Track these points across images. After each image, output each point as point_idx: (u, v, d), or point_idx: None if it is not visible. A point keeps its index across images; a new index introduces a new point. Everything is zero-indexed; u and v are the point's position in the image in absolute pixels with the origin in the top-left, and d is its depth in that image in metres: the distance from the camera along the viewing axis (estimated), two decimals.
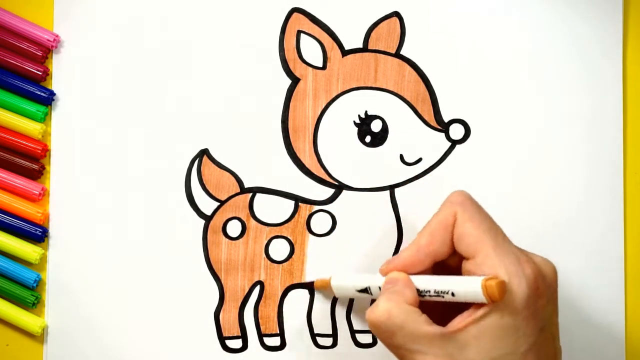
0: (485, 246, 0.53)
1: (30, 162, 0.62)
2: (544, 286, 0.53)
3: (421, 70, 0.63)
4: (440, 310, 0.54)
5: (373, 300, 0.55)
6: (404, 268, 0.55)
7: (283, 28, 0.63)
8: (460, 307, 0.53)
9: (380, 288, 0.56)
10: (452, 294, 0.52)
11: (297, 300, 0.63)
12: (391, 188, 0.63)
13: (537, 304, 0.52)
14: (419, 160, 0.63)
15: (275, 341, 0.63)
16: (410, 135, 0.63)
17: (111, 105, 0.63)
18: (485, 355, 0.51)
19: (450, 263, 0.56)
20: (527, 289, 0.51)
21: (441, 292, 0.53)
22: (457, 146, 0.63)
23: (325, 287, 0.61)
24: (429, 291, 0.53)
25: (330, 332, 0.63)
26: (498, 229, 0.54)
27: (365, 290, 0.58)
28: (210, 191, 0.63)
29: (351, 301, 0.63)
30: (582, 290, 0.63)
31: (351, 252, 0.63)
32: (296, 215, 0.63)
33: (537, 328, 0.52)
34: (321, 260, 0.63)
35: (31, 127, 0.61)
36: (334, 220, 0.63)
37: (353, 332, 0.63)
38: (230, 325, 0.63)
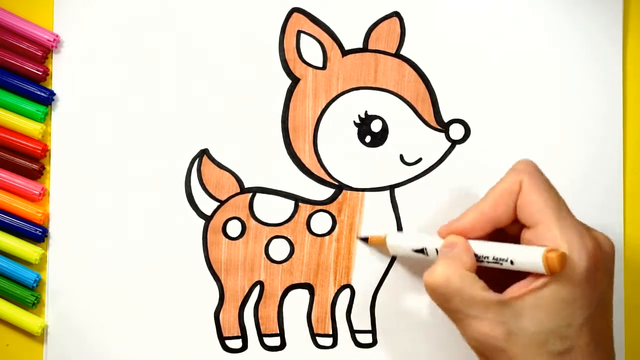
0: (548, 217, 0.53)
1: (30, 162, 0.62)
2: (603, 261, 0.53)
3: (421, 70, 0.63)
4: (497, 278, 0.54)
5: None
6: (464, 232, 0.55)
7: (283, 28, 0.63)
8: (517, 276, 0.53)
9: (437, 250, 0.56)
10: (511, 262, 0.52)
11: (297, 300, 0.63)
12: (391, 188, 0.63)
13: (596, 277, 0.52)
14: (419, 160, 0.63)
15: (275, 341, 0.63)
16: (410, 135, 0.63)
17: (111, 105, 0.62)
18: (540, 326, 0.51)
19: (509, 231, 0.56)
20: (587, 262, 0.51)
21: (500, 259, 0.53)
22: (457, 146, 0.63)
23: (381, 243, 0.61)
24: (488, 257, 0.53)
25: (330, 332, 0.63)
26: (562, 201, 0.54)
27: (421, 251, 0.57)
28: (210, 191, 0.63)
29: (351, 301, 0.63)
30: None
31: (351, 252, 0.63)
32: (296, 215, 0.63)
33: (594, 302, 0.52)
34: (321, 260, 0.63)
35: (31, 127, 0.61)
36: (333, 220, 0.63)
37: (353, 332, 0.63)
38: (230, 325, 0.63)
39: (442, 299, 0.53)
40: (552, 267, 0.50)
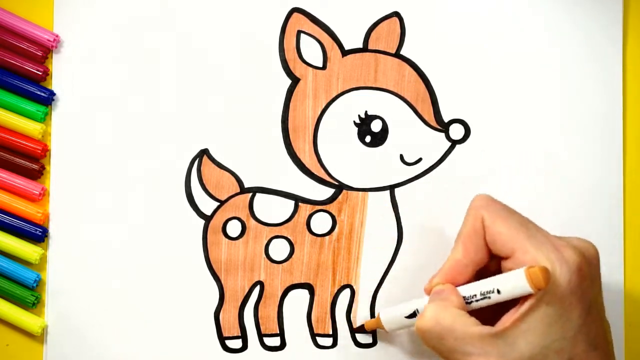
0: (520, 241, 0.53)
1: (30, 162, 0.62)
2: (587, 267, 0.52)
3: (421, 70, 0.63)
4: (488, 316, 0.54)
5: None
6: (446, 282, 0.55)
7: (283, 28, 0.63)
8: (506, 308, 0.53)
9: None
10: (498, 291, 0.52)
11: (297, 300, 0.63)
12: (391, 188, 0.63)
13: (582, 286, 0.52)
14: (419, 160, 0.63)
15: (275, 341, 0.63)
16: (410, 135, 0.63)
17: (111, 106, 0.62)
18: (536, 346, 0.51)
19: (490, 268, 0.56)
20: (569, 274, 0.51)
21: (487, 292, 0.53)
22: (457, 146, 0.63)
23: (377, 325, 0.61)
24: (475, 295, 0.54)
25: (330, 332, 0.63)
26: (528, 222, 0.54)
27: (414, 315, 0.57)
28: (210, 191, 0.63)
29: (351, 301, 0.63)
30: None
31: (351, 252, 0.63)
32: (296, 215, 0.63)
33: (585, 310, 0.52)
34: (321, 260, 0.63)
35: (31, 127, 0.61)
36: (333, 220, 0.63)
37: (353, 332, 0.63)
38: (230, 325, 0.63)
39: (435, 340, 0.53)
40: (536, 282, 0.50)
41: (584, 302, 0.52)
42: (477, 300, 0.54)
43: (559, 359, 0.52)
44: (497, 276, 0.53)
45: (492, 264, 0.56)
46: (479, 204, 0.55)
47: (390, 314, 0.59)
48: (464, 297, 0.54)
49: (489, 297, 0.53)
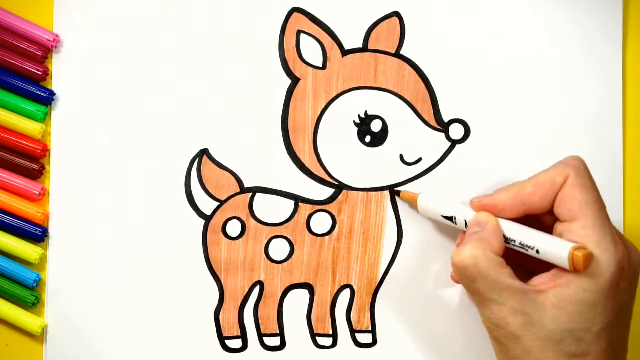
0: (587, 216, 0.53)
1: (30, 162, 0.62)
2: (629, 270, 0.53)
3: (421, 70, 0.63)
4: (524, 262, 0.54)
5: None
6: (496, 210, 0.55)
7: (283, 28, 0.63)
8: (544, 265, 0.53)
9: (466, 222, 0.56)
10: (537, 251, 0.52)
11: (297, 300, 0.63)
12: (391, 188, 0.63)
13: (620, 285, 0.52)
14: (419, 160, 0.63)
15: (275, 341, 0.63)
16: (410, 135, 0.63)
17: (111, 105, 0.63)
18: (559, 325, 0.52)
19: (542, 220, 0.56)
20: (614, 269, 0.51)
21: (527, 246, 0.53)
22: (457, 146, 0.63)
23: (413, 201, 0.61)
24: (515, 241, 0.54)
25: (330, 332, 0.63)
26: (603, 205, 0.54)
27: (450, 219, 0.58)
28: (210, 191, 0.63)
29: (351, 301, 0.63)
30: None
31: (351, 252, 0.63)
32: (296, 215, 0.63)
33: (615, 309, 0.52)
34: (321, 260, 0.63)
35: (31, 127, 0.61)
36: (333, 220, 0.63)
37: (353, 332, 0.63)
38: (230, 325, 0.63)
39: (468, 280, 0.53)
40: (576, 264, 0.50)
41: (617, 302, 0.52)
42: (514, 245, 0.54)
43: (577, 347, 0.52)
44: (544, 235, 0.53)
45: (546, 217, 0.55)
46: (572, 163, 0.55)
47: (429, 203, 0.60)
48: (504, 236, 0.54)
49: (527, 250, 0.53)
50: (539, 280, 0.53)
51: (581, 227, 0.53)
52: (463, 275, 0.54)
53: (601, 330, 0.52)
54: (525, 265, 0.55)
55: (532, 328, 0.52)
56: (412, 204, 0.61)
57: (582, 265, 0.50)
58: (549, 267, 0.53)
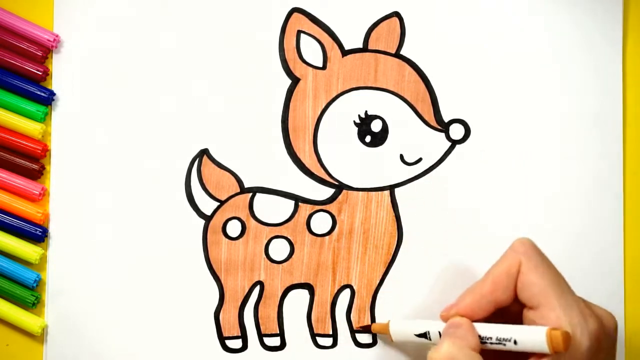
0: (550, 297, 0.52)
1: (30, 162, 0.62)
2: (605, 339, 0.53)
3: (421, 70, 0.63)
4: (498, 357, 0.54)
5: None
6: (465, 314, 0.55)
7: (283, 28, 0.63)
8: (519, 358, 0.53)
9: (440, 333, 0.56)
10: (515, 342, 0.52)
11: (297, 300, 0.63)
12: (391, 188, 0.63)
13: (597, 357, 0.52)
14: (419, 160, 0.63)
15: (275, 341, 0.63)
16: (410, 135, 0.63)
17: (111, 105, 0.63)
18: None
19: (511, 310, 0.56)
20: (589, 342, 0.51)
21: (503, 339, 0.53)
22: (457, 146, 0.63)
23: (384, 331, 0.61)
24: (491, 338, 0.53)
25: (330, 332, 0.63)
26: (562, 280, 0.54)
27: (424, 335, 0.57)
28: (210, 191, 0.63)
29: (351, 301, 0.63)
30: (581, 290, 0.62)
31: (351, 252, 0.63)
32: (296, 215, 0.63)
33: None
34: (321, 260, 0.63)
35: (31, 127, 0.61)
36: (333, 220, 0.63)
37: (353, 332, 0.63)
38: (230, 325, 0.63)
39: None
40: (556, 346, 0.50)
41: None
42: (491, 343, 0.53)
43: None
44: (518, 326, 0.53)
45: (513, 306, 0.55)
46: (521, 249, 0.55)
47: (401, 326, 0.59)
48: (479, 336, 0.54)
49: (504, 344, 0.53)
50: None
51: (548, 310, 0.52)
52: None
53: None
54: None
55: None
56: (384, 332, 0.61)
57: (561, 346, 0.50)
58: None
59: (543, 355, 0.51)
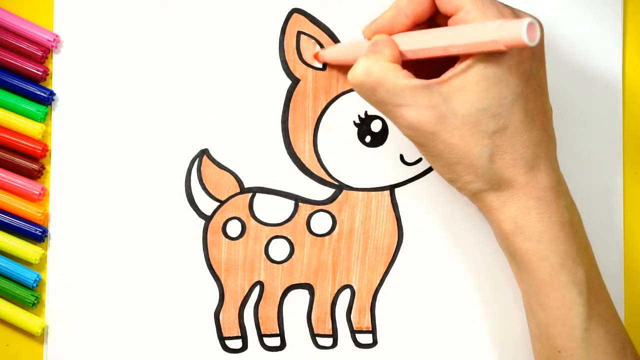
0: (467, 1, 0.52)
1: (30, 162, 0.62)
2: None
3: None
4: (424, 71, 0.54)
5: None
6: (385, 30, 0.56)
7: (283, 29, 0.63)
8: (442, 69, 0.53)
9: None
10: (466, 40, 0.51)
11: (297, 300, 0.63)
12: (391, 188, 0.63)
13: (522, 54, 0.52)
14: (419, 160, 0.63)
15: (275, 341, 0.63)
16: None
17: (111, 105, 0.63)
18: (471, 107, 0.52)
19: (439, 23, 0.56)
20: None
21: (453, 41, 0.52)
22: None
23: (316, 57, 0.61)
24: (433, 44, 0.53)
25: (330, 332, 0.63)
26: None
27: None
28: (210, 191, 0.63)
29: (351, 301, 0.63)
30: None
31: (351, 252, 0.63)
32: (296, 215, 0.63)
33: (523, 79, 0.52)
34: (321, 260, 0.63)
35: (31, 127, 0.61)
36: (334, 220, 0.63)
37: (353, 332, 0.63)
38: (230, 326, 0.63)
39: (368, 92, 0.53)
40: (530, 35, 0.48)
41: (523, 71, 0.52)
42: (433, 47, 0.53)
43: (494, 123, 0.52)
44: (445, 28, 0.53)
45: (440, 19, 0.55)
46: None
47: (332, 50, 0.60)
48: (402, 51, 0.54)
49: (449, 49, 0.52)
50: (441, 76, 0.53)
51: (466, 13, 0.52)
52: (362, 90, 0.54)
53: (513, 101, 0.52)
54: (422, 70, 0.55)
55: (446, 120, 0.52)
56: (317, 59, 0.62)
57: (523, 39, 0.48)
58: (445, 69, 0.53)
59: (466, 56, 0.51)
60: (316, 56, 0.62)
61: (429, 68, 0.55)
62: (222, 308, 0.63)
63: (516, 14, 0.54)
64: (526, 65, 0.53)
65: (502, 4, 0.54)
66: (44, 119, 0.62)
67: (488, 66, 0.51)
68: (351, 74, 0.54)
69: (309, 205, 0.63)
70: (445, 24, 0.54)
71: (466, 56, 0.52)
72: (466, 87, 0.52)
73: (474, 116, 0.52)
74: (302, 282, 0.63)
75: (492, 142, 0.53)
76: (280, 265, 0.63)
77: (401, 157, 0.63)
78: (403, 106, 0.52)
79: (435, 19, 0.56)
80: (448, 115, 0.52)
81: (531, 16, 0.53)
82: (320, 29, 0.63)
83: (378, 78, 0.53)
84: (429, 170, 0.63)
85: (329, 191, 0.63)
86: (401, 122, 0.53)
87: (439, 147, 0.53)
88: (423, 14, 0.55)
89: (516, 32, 0.48)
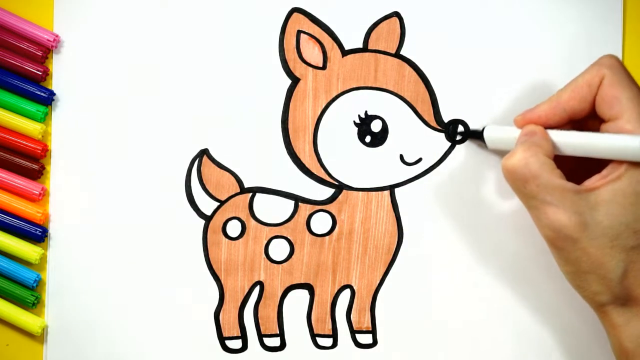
0: (629, 110, 0.53)
1: (30, 162, 0.62)
2: None
3: (421, 71, 0.63)
4: (574, 171, 0.54)
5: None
6: (539, 119, 0.56)
7: (283, 28, 0.63)
8: (593, 172, 0.53)
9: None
10: (600, 149, 0.52)
11: (297, 300, 0.63)
12: (391, 188, 0.63)
13: None
14: (419, 160, 0.63)
15: (275, 342, 0.63)
16: (410, 135, 0.63)
17: (111, 106, 0.63)
18: (615, 220, 0.52)
19: (588, 126, 0.56)
20: None
21: (590, 147, 0.53)
22: (457, 146, 0.63)
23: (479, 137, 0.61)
24: (573, 145, 0.54)
25: (330, 332, 0.63)
26: None
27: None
28: (210, 191, 0.63)
29: (351, 301, 0.63)
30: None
31: (351, 252, 0.63)
32: (296, 215, 0.63)
33: None
34: (321, 260, 0.63)
35: (31, 127, 0.62)
36: (334, 220, 0.63)
37: (353, 332, 0.63)
38: (230, 326, 0.63)
39: (520, 182, 0.54)
40: None
41: None
42: (574, 150, 0.54)
43: (633, 240, 0.52)
44: (600, 134, 0.53)
45: (591, 122, 0.55)
46: (606, 62, 0.55)
47: (496, 132, 0.60)
48: (555, 144, 0.54)
49: (588, 152, 0.53)
50: (592, 180, 0.53)
51: (626, 122, 0.53)
52: (514, 179, 0.54)
53: None
54: (575, 175, 0.55)
55: (588, 228, 0.52)
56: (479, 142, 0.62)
57: None
58: (598, 170, 0.53)
59: (619, 164, 0.52)
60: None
61: (574, 166, 0.55)
62: (222, 308, 0.63)
63: None
64: None
65: None
66: (44, 119, 0.62)
67: (633, 182, 0.51)
68: (508, 161, 0.54)
69: (309, 205, 0.63)
70: (596, 127, 0.55)
71: (618, 164, 0.52)
72: (615, 198, 0.52)
73: (616, 229, 0.52)
74: (302, 282, 0.63)
75: (629, 258, 0.52)
76: (280, 265, 0.63)
77: (401, 157, 0.63)
78: (550, 205, 0.53)
79: (586, 120, 0.56)
80: (591, 223, 0.52)
81: None
82: (321, 28, 0.63)
83: (534, 171, 0.53)
84: (429, 170, 0.63)
85: (329, 191, 0.63)
86: (544, 220, 0.53)
87: (576, 253, 0.53)
88: (581, 112, 0.55)
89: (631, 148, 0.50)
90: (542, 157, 0.53)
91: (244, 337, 0.63)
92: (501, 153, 0.62)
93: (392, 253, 0.63)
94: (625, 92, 0.53)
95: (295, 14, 0.63)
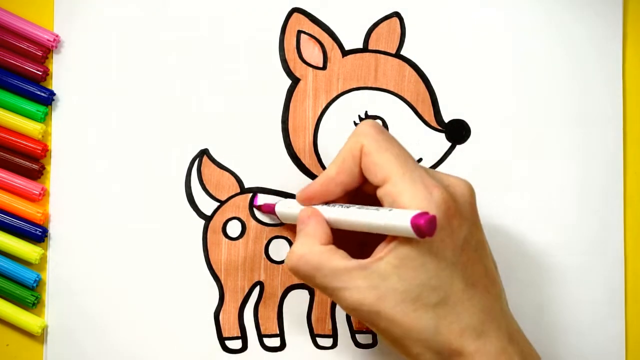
0: (391, 174, 0.53)
1: (30, 162, 0.62)
2: (455, 206, 0.52)
3: (421, 71, 0.63)
4: (368, 237, 0.54)
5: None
6: (316, 197, 0.56)
7: (283, 28, 0.63)
8: (380, 237, 0.53)
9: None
10: (375, 228, 0.52)
11: (297, 300, 0.63)
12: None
13: (452, 225, 0.52)
14: (419, 160, 0.63)
15: (275, 342, 0.63)
16: (410, 135, 0.63)
17: (111, 105, 0.63)
18: (410, 283, 0.51)
19: (367, 190, 0.56)
20: (437, 213, 0.51)
21: (366, 224, 0.53)
22: (457, 146, 0.63)
23: (271, 211, 0.62)
24: (349, 224, 0.54)
25: (330, 332, 0.63)
26: (406, 156, 0.54)
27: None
28: (210, 191, 0.63)
29: None
30: (581, 290, 0.63)
31: None
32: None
33: (457, 248, 0.52)
34: None
35: (31, 127, 0.62)
36: None
37: (353, 332, 0.63)
38: (230, 326, 0.63)
39: (307, 278, 0.54)
40: (418, 232, 0.50)
41: (456, 241, 0.52)
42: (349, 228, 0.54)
43: (435, 296, 0.52)
44: (381, 210, 0.52)
45: (369, 186, 0.55)
46: (362, 132, 0.55)
47: (283, 208, 0.60)
48: (332, 222, 0.54)
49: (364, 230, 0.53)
50: (379, 249, 0.53)
51: (392, 187, 0.53)
52: (300, 277, 0.54)
53: (451, 272, 0.52)
54: (369, 238, 0.55)
55: (386, 298, 0.52)
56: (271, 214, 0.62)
57: (424, 231, 0.49)
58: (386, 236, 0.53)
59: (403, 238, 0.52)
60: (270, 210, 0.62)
61: (361, 236, 0.55)
62: (222, 308, 0.63)
63: (441, 182, 0.53)
64: (458, 234, 0.52)
65: (430, 174, 0.54)
66: (44, 119, 0.62)
67: (419, 243, 0.51)
68: (288, 260, 0.54)
69: None
70: (373, 192, 0.55)
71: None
72: (402, 262, 0.51)
73: (414, 291, 0.52)
74: (302, 282, 0.63)
75: (436, 315, 0.52)
76: (280, 265, 0.63)
77: None
78: (343, 289, 0.52)
79: (364, 188, 0.56)
80: (387, 293, 0.52)
81: (459, 180, 0.54)
82: (321, 28, 0.63)
83: (315, 264, 0.53)
84: None
85: None
86: (344, 304, 0.53)
87: (382, 324, 0.52)
88: (352, 183, 0.56)
89: (404, 225, 0.50)
90: (318, 247, 0.53)
91: (244, 337, 0.63)
92: (494, 156, 0.62)
93: None
94: (383, 156, 0.53)
95: (295, 14, 0.63)
